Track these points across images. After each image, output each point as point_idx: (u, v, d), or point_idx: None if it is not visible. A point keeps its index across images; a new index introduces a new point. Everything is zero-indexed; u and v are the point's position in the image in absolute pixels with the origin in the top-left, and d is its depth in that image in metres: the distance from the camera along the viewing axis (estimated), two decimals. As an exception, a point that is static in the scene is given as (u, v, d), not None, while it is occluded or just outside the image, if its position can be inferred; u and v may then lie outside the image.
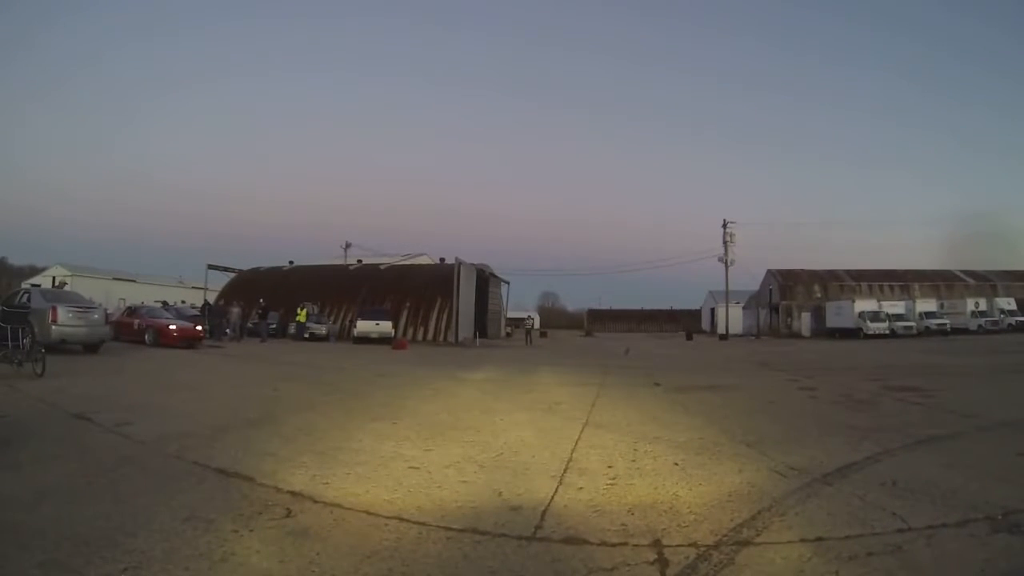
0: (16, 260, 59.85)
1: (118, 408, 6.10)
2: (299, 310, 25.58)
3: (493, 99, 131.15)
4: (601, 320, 69.01)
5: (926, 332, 33.00)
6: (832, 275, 46.61)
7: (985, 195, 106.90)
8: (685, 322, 59.87)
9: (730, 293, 43.14)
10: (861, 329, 33.80)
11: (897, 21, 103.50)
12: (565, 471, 3.98)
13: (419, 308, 29.02)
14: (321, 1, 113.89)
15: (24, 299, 13.37)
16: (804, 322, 43.43)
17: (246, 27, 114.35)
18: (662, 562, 2.46)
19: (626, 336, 45.57)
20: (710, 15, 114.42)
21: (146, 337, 17.09)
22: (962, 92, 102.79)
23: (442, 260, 33.47)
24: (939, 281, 44.62)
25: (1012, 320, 34.06)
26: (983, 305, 36.25)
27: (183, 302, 31.98)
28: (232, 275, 31.98)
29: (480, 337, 28.98)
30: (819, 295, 44.74)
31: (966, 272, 45.82)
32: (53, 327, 12.34)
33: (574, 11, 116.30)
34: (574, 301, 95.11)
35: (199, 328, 18.62)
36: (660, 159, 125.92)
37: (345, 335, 26.80)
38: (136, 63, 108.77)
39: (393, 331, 24.80)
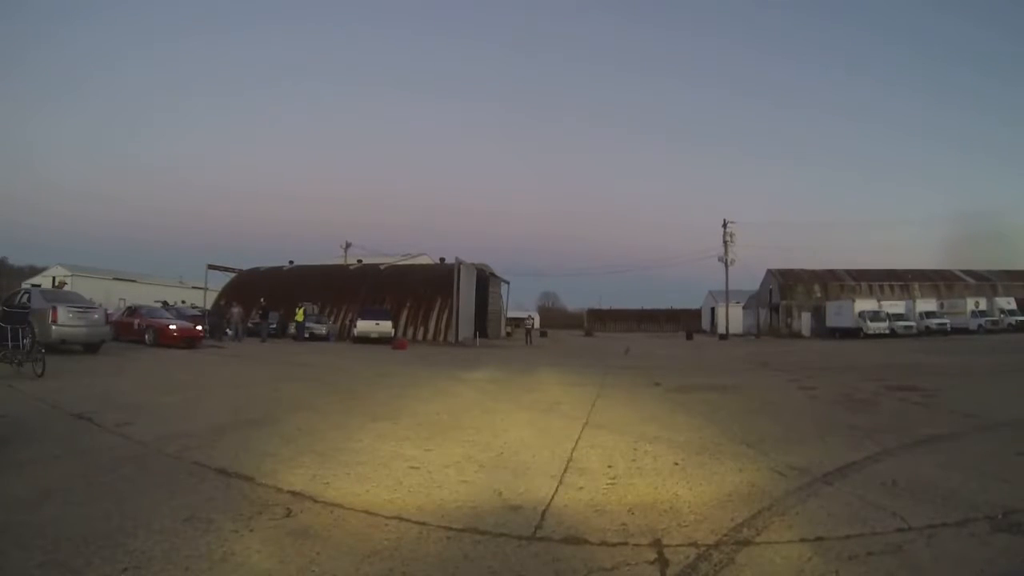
0: (16, 260, 59.79)
1: (118, 408, 6.10)
2: (297, 310, 25.59)
3: (494, 101, 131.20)
4: (601, 320, 68.95)
5: (926, 332, 32.97)
6: (832, 275, 46.60)
7: (985, 195, 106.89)
8: (685, 322, 59.81)
9: (730, 293, 43.14)
10: (861, 329, 33.79)
11: (895, 23, 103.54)
12: (565, 471, 3.98)
13: (419, 308, 29.02)
14: (323, 8, 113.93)
15: (24, 299, 13.38)
16: (804, 322, 43.44)
17: (248, 31, 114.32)
18: (662, 562, 2.46)
19: (626, 336, 45.58)
20: (710, 20, 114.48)
21: (146, 337, 17.10)
22: (961, 92, 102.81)
23: (442, 260, 33.46)
24: (939, 281, 44.63)
25: (1012, 320, 34.00)
26: (983, 305, 36.19)
27: (183, 302, 32.02)
28: (232, 275, 31.96)
29: (480, 337, 28.97)
30: (819, 295, 44.74)
31: (966, 272, 45.81)
32: (53, 327, 12.33)
33: (575, 15, 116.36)
34: (574, 301, 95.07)
35: (199, 328, 18.63)
36: (660, 159, 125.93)
37: (345, 335, 26.80)
38: (137, 65, 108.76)
39: (393, 331, 24.79)
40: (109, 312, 16.39)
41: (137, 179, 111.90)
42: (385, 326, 24.52)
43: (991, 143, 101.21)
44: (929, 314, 35.60)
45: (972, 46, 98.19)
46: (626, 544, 2.66)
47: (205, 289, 26.82)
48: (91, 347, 13.42)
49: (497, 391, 8.74)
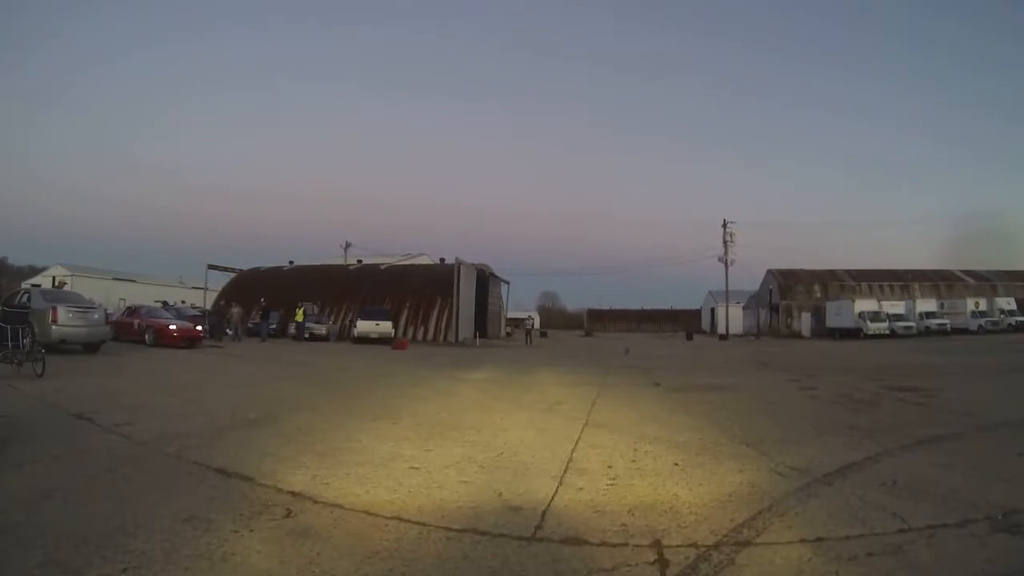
0: (16, 260, 59.86)
1: (118, 408, 6.10)
2: (297, 310, 25.59)
3: (494, 100, 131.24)
4: (601, 320, 68.95)
5: (926, 332, 32.98)
6: (832, 275, 46.62)
7: (985, 195, 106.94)
8: (685, 322, 59.82)
9: (730, 293, 43.14)
10: (861, 329, 33.79)
11: (896, 23, 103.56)
12: (565, 471, 3.98)
13: (419, 308, 29.02)
14: (323, 7, 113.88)
15: (24, 299, 13.39)
16: (804, 322, 43.44)
17: (248, 31, 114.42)
18: (662, 562, 2.46)
19: (626, 336, 45.54)
20: (710, 19, 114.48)
21: (146, 337, 17.11)
22: (962, 92, 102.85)
23: (442, 260, 33.47)
24: (939, 281, 44.64)
25: (1012, 320, 34.02)
26: (983, 305, 36.20)
27: (183, 302, 32.03)
28: (232, 275, 31.95)
29: (480, 337, 28.97)
30: (819, 295, 44.76)
31: (966, 272, 45.83)
32: (53, 327, 12.35)
33: (575, 15, 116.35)
34: (574, 301, 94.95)
35: (199, 328, 18.63)
36: (660, 159, 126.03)
37: (345, 335, 26.80)
38: (137, 66, 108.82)
39: (393, 331, 24.80)
40: (109, 312, 16.40)
41: (137, 179, 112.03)
42: (385, 326, 24.53)
43: (991, 143, 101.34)
44: (929, 314, 35.61)
45: (973, 46, 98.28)
46: (626, 545, 2.65)
47: (205, 289, 26.80)
48: (91, 347, 13.43)
49: (497, 391, 8.74)
